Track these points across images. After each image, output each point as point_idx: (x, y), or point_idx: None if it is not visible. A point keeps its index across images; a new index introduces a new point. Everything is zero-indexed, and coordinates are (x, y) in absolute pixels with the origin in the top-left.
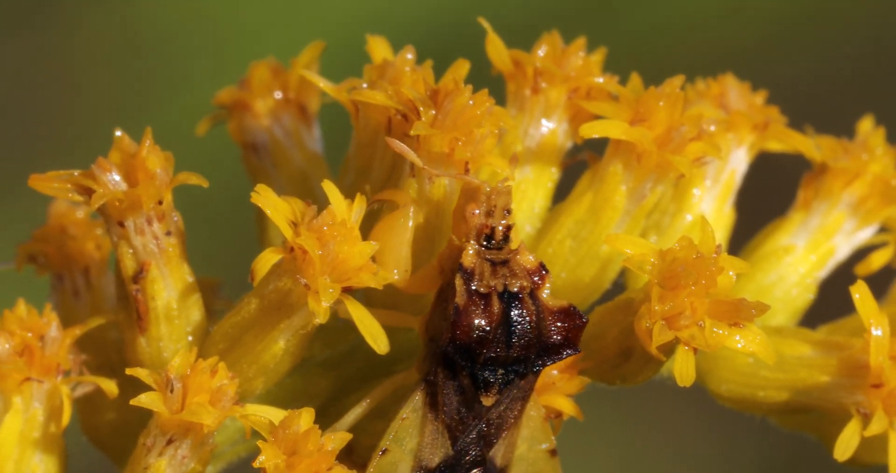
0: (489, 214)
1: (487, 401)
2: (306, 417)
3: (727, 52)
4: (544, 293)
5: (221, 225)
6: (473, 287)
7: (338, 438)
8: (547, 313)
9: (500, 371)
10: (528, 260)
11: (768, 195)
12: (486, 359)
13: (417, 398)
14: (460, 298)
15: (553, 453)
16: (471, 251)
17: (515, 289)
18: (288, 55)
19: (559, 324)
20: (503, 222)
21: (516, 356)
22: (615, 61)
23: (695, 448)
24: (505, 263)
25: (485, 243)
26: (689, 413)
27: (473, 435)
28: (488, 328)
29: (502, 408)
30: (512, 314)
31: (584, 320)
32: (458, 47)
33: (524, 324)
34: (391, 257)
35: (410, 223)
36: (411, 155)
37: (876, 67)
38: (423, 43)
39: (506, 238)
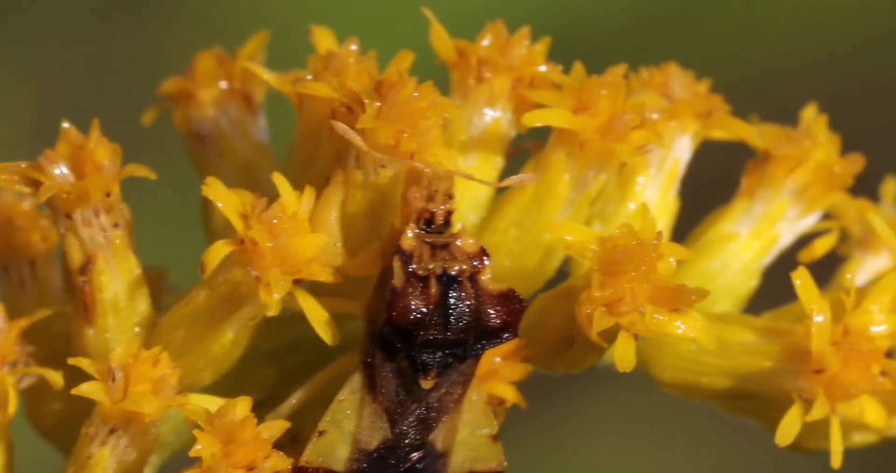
0: (430, 198)
1: (426, 384)
2: (243, 406)
3: (815, 58)
4: (484, 278)
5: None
6: (411, 269)
7: (275, 426)
8: (486, 296)
9: (439, 354)
10: (468, 244)
11: (713, 184)
12: (424, 341)
13: (355, 379)
14: (398, 279)
15: (495, 438)
16: (410, 234)
17: (454, 272)
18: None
19: (498, 308)
20: (443, 206)
21: (454, 339)
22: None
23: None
24: (445, 246)
25: (425, 226)
26: None
27: (412, 419)
28: (425, 310)
29: (442, 392)
30: (450, 296)
31: (523, 304)
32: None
33: (462, 307)
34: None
35: (337, 192)
36: (356, 138)
37: None
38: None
39: (446, 222)
